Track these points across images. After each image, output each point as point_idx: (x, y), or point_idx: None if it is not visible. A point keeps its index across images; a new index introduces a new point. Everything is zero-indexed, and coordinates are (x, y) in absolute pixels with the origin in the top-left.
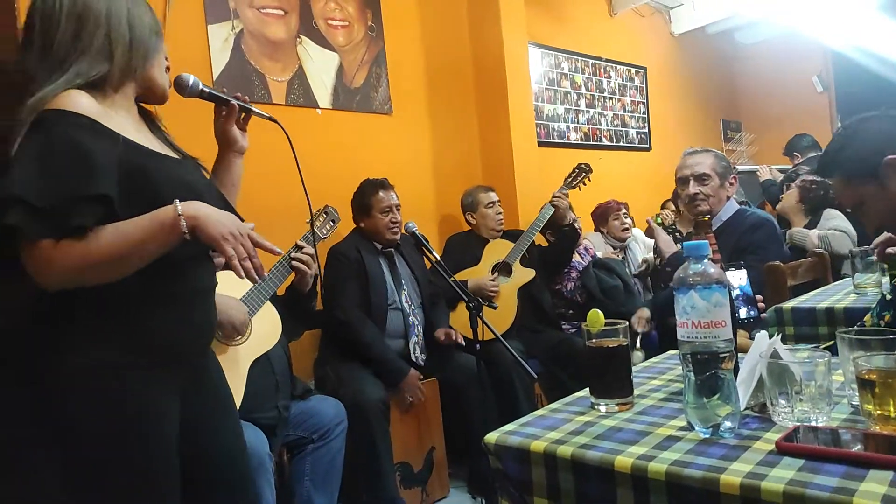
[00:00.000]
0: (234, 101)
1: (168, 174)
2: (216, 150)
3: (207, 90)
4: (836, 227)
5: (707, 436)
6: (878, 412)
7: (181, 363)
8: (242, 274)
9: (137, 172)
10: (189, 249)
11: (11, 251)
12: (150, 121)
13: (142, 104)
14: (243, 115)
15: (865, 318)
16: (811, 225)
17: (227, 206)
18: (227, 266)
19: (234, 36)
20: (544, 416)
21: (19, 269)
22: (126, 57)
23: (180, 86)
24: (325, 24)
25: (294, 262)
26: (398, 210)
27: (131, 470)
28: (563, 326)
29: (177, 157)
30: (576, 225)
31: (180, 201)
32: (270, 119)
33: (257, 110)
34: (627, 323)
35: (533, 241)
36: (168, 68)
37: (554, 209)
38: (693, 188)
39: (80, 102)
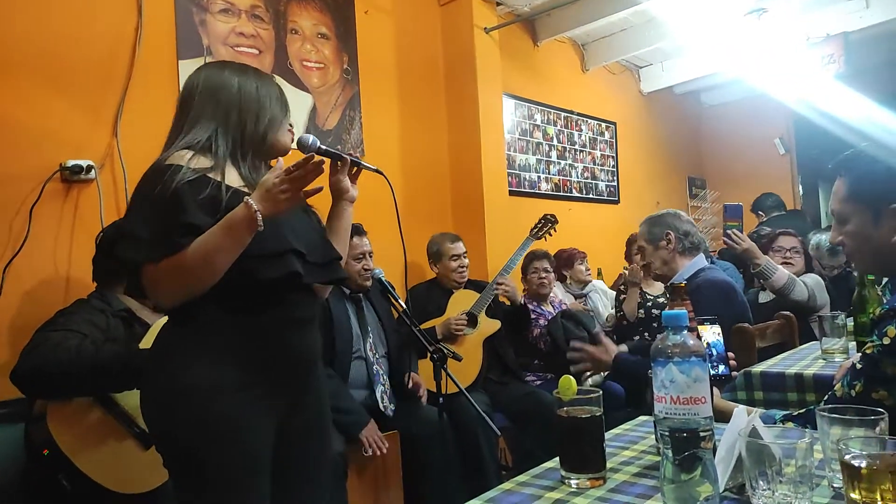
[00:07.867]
0: (347, 157)
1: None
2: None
3: (324, 148)
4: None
5: None
6: (866, 502)
7: (277, 389)
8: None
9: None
10: (274, 271)
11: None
12: None
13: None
14: (354, 168)
15: (836, 387)
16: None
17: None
18: None
19: None
20: (511, 491)
21: None
22: (254, 125)
23: (302, 145)
24: (300, 65)
25: None
26: (370, 257)
27: (217, 471)
28: (528, 378)
29: None
30: (528, 304)
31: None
32: (377, 171)
33: (366, 164)
34: (601, 392)
35: (497, 295)
36: (292, 129)
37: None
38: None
39: (184, 156)
